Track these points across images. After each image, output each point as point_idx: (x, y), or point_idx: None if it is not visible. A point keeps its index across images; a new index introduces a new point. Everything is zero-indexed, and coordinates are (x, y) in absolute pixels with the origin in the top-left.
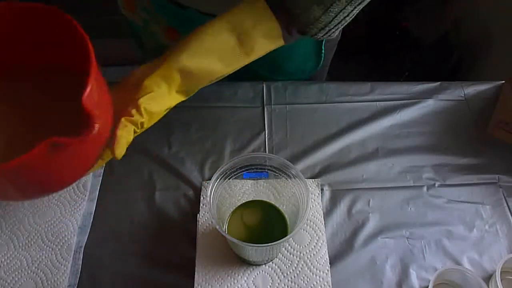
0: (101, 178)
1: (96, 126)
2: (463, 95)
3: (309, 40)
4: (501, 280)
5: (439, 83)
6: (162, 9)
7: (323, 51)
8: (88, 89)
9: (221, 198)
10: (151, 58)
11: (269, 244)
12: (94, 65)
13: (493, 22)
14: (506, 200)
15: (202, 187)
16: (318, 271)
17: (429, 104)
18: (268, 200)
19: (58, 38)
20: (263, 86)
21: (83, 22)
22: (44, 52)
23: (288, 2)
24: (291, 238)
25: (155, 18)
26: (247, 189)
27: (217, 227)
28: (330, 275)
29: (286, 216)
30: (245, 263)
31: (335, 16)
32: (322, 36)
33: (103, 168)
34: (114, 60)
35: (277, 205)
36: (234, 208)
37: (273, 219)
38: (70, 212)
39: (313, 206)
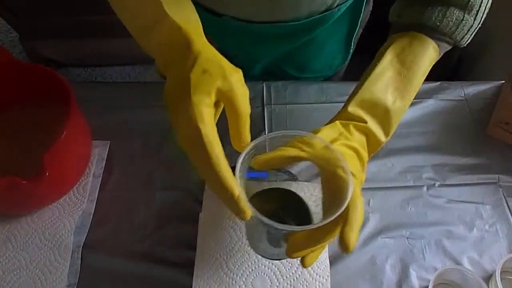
0: (101, 179)
1: (46, 174)
2: (463, 95)
3: (338, 38)
4: (501, 280)
5: (439, 83)
6: None
7: (352, 46)
8: (49, 151)
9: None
10: None
11: (306, 227)
12: (70, 121)
13: (493, 22)
14: (506, 200)
15: (202, 187)
16: (318, 276)
17: (429, 104)
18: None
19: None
20: (263, 86)
21: (84, 22)
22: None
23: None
24: None
25: None
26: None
27: (248, 204)
28: (330, 281)
29: (309, 208)
30: (256, 253)
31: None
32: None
33: (103, 169)
34: (115, 60)
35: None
36: (258, 190)
37: (296, 208)
38: (68, 213)
39: None
